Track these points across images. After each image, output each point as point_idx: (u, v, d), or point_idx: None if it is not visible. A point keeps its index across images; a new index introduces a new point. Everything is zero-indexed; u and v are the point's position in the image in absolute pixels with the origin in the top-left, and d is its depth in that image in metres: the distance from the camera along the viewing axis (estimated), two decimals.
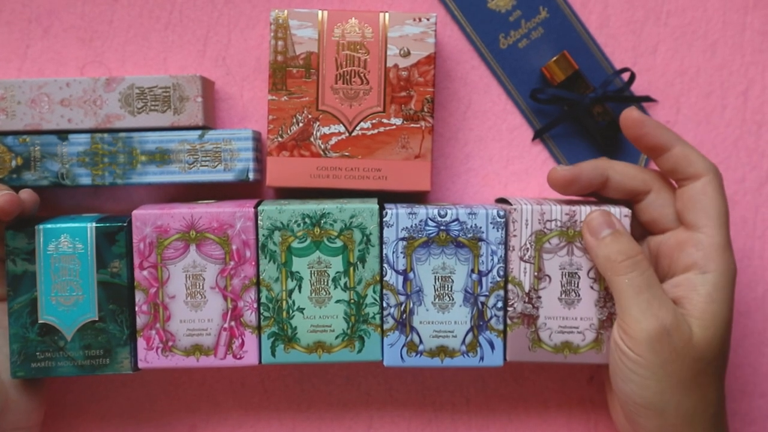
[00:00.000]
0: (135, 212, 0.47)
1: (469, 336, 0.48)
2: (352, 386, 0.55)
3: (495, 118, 0.55)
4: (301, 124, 0.49)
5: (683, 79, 0.55)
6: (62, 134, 0.51)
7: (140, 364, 0.48)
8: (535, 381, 0.55)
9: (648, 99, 0.54)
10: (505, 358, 0.48)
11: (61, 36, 0.54)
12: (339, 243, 0.47)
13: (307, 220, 0.47)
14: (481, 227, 0.47)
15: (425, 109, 0.49)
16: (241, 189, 0.55)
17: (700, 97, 0.55)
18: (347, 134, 0.49)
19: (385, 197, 0.54)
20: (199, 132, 0.50)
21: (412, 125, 0.49)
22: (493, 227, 0.47)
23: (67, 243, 0.47)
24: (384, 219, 0.47)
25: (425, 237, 0.47)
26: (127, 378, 0.55)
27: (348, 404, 0.55)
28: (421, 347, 0.48)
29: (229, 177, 0.50)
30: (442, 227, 0.47)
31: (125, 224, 0.47)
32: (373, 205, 0.47)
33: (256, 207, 0.48)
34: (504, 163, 0.55)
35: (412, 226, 0.47)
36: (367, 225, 0.47)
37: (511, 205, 0.48)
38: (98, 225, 0.47)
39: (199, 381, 0.55)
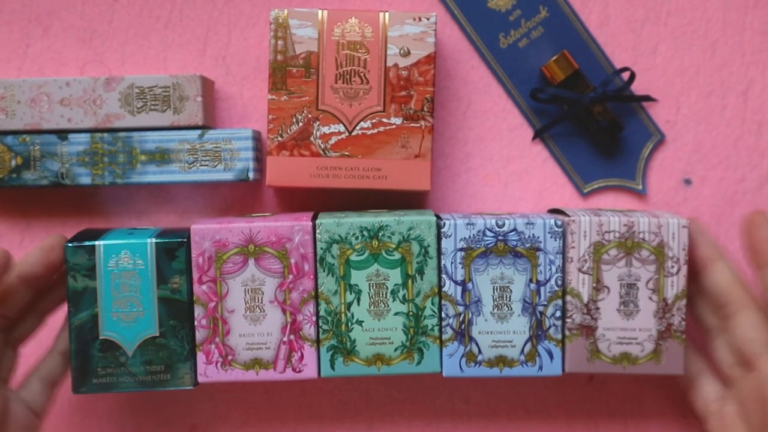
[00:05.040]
0: (193, 227, 0.47)
1: (528, 346, 0.48)
2: (352, 386, 0.55)
3: (495, 118, 0.55)
4: (300, 124, 0.49)
5: (683, 78, 0.55)
6: (62, 134, 0.51)
7: (200, 379, 0.48)
8: (534, 381, 0.55)
9: (648, 98, 0.54)
10: (563, 368, 0.48)
11: (61, 35, 0.54)
12: (397, 255, 0.47)
13: (365, 232, 0.47)
14: (538, 237, 0.47)
15: (425, 109, 0.49)
16: (241, 188, 0.55)
17: (700, 96, 0.55)
18: (347, 134, 0.49)
19: (386, 196, 0.54)
20: (198, 131, 0.50)
21: (412, 125, 0.49)
22: (551, 237, 0.47)
23: (127, 259, 0.47)
24: (442, 230, 0.47)
25: (483, 247, 0.47)
26: None
27: (348, 404, 0.55)
28: (480, 357, 0.48)
29: (229, 176, 0.50)
30: (500, 237, 0.47)
31: (185, 240, 0.47)
32: (430, 217, 0.47)
33: (313, 220, 0.48)
34: (504, 163, 0.55)
35: (470, 237, 0.47)
36: (425, 237, 0.47)
37: (568, 216, 0.48)
38: (158, 241, 0.47)
39: None
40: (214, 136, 0.50)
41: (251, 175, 0.50)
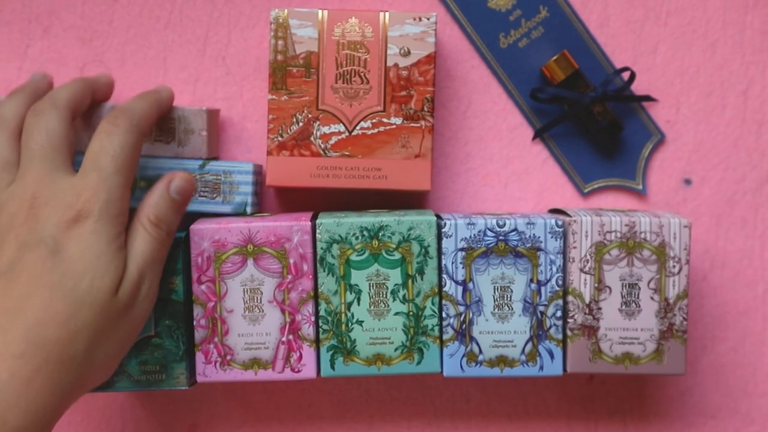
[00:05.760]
0: (192, 227, 0.47)
1: (529, 345, 0.48)
2: (352, 386, 0.55)
3: (495, 118, 0.55)
4: (301, 124, 0.49)
5: (683, 78, 0.55)
6: None
7: (199, 378, 0.48)
8: (534, 380, 0.55)
9: (648, 98, 0.54)
10: (565, 369, 0.49)
11: (61, 36, 0.54)
12: (397, 255, 0.47)
13: (365, 232, 0.47)
14: (539, 237, 0.48)
15: (425, 109, 0.49)
16: None
17: (700, 96, 0.55)
18: (347, 134, 0.49)
19: (386, 196, 0.54)
20: (200, 162, 0.50)
21: (412, 125, 0.49)
22: (552, 237, 0.48)
23: None
24: (443, 230, 0.47)
25: (484, 247, 0.48)
26: None
27: (348, 404, 0.55)
28: (480, 357, 0.48)
29: (226, 209, 0.50)
30: (500, 237, 0.47)
31: (182, 240, 0.48)
32: (431, 217, 0.47)
33: (312, 220, 0.48)
34: (504, 163, 0.55)
35: (470, 237, 0.47)
36: (425, 237, 0.47)
37: (569, 216, 0.48)
38: None
39: None
40: (215, 168, 0.50)
41: (249, 210, 0.50)
